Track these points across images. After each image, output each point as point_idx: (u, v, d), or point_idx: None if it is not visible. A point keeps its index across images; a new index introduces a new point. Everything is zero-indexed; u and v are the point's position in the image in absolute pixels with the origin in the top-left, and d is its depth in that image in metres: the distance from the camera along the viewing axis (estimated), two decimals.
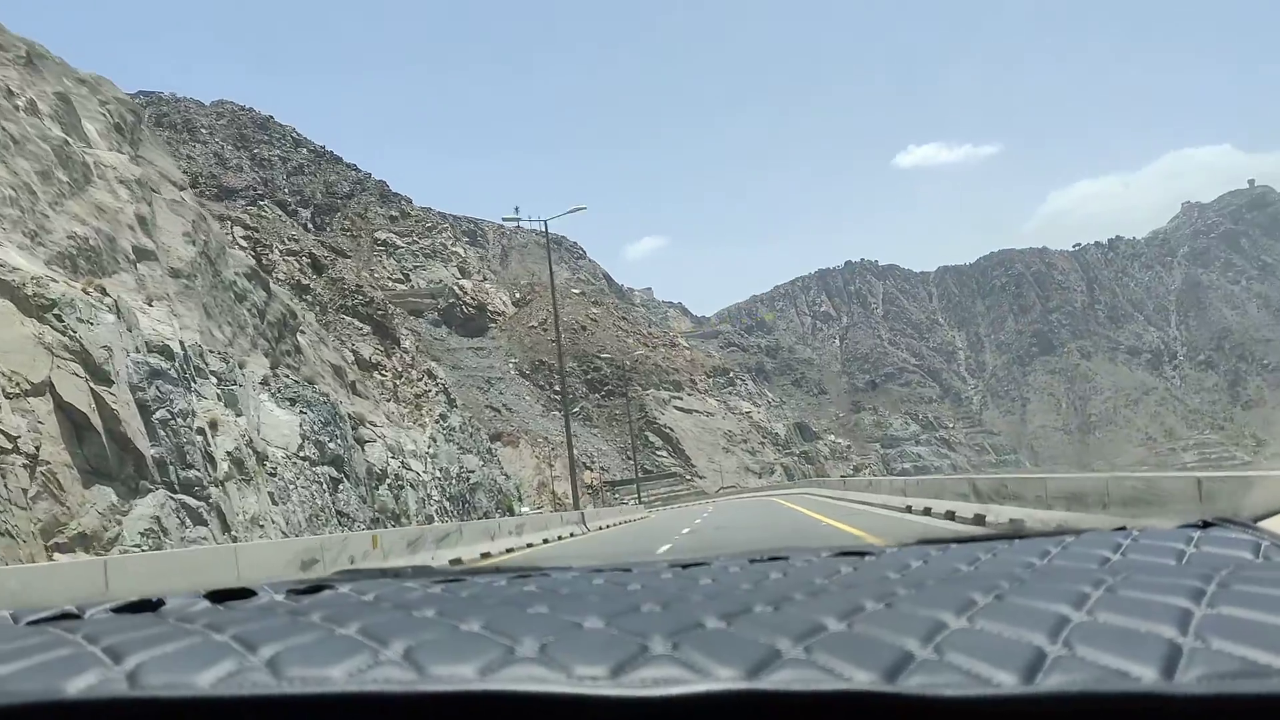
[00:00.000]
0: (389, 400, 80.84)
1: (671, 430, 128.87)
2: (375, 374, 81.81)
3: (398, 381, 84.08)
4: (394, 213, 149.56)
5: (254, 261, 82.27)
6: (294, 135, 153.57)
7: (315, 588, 1.16)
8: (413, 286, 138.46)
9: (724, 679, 0.55)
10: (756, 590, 0.85)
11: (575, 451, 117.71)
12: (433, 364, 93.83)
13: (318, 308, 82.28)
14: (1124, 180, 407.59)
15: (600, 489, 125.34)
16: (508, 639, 0.65)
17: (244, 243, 78.03)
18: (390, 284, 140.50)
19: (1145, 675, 0.52)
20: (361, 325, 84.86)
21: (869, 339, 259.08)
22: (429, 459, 49.51)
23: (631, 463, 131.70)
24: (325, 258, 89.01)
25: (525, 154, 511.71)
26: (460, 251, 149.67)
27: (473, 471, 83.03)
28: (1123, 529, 1.13)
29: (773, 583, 0.94)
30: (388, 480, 36.31)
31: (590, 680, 0.57)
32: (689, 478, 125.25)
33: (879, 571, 0.98)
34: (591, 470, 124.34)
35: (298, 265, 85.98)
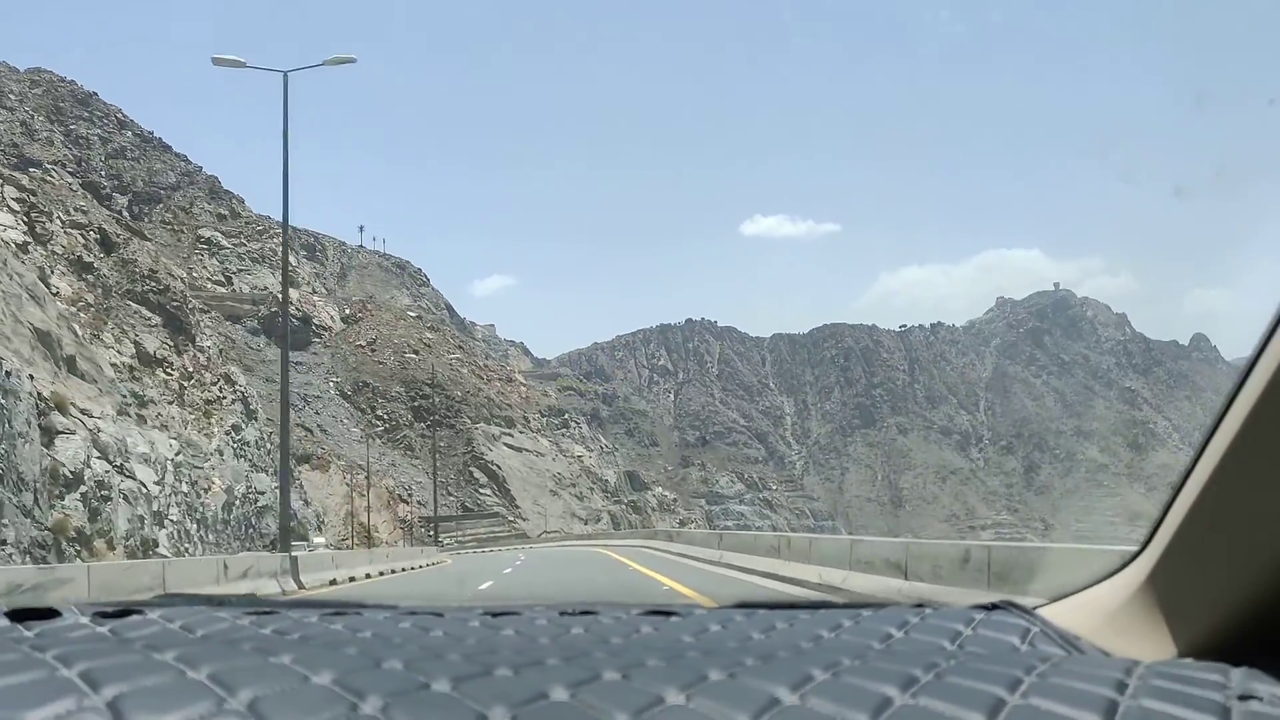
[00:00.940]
0: (172, 402, 68.78)
1: (499, 468, 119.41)
2: (160, 371, 69.68)
3: (185, 383, 72.08)
4: (223, 211, 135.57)
5: (25, 227, 68.60)
6: (119, 116, 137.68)
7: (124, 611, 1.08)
8: (234, 290, 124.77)
9: None
10: (553, 645, 0.83)
11: (392, 482, 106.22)
12: (233, 369, 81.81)
13: (99, 289, 69.85)
14: (945, 271, 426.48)
15: (415, 525, 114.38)
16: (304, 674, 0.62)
17: (15, 205, 64.81)
18: (209, 285, 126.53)
19: None
20: (150, 315, 72.51)
21: (702, 396, 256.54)
22: (172, 468, 38.67)
23: (453, 498, 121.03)
24: (119, 236, 76.22)
25: (375, 174, 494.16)
26: (291, 260, 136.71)
27: (263, 493, 71.57)
28: (920, 606, 1.13)
29: (571, 638, 0.94)
30: (83, 488, 26.10)
31: None
32: (511, 519, 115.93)
33: (676, 634, 0.98)
34: (408, 504, 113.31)
35: (82, 240, 72.92)
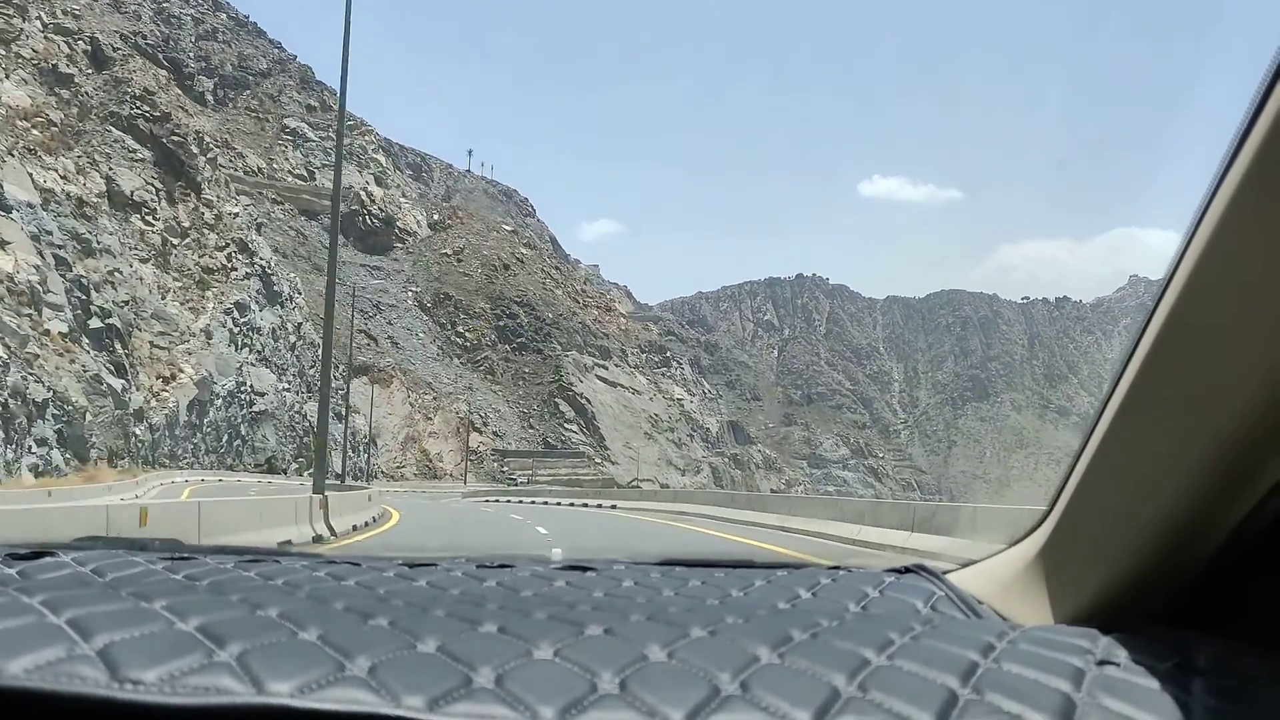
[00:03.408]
0: (147, 261, 48.08)
1: (588, 402, 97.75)
2: (138, 217, 49.03)
3: (173, 240, 51.26)
4: (313, 102, 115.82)
5: None
6: None
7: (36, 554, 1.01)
8: (316, 185, 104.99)
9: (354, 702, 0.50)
10: (462, 597, 0.80)
11: (465, 407, 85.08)
12: (256, 239, 60.69)
13: (75, 107, 49.32)
14: (1070, 247, 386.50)
15: (487, 457, 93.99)
16: (214, 646, 0.55)
17: None
18: (289, 178, 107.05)
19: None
20: (135, 148, 51.42)
21: (807, 355, 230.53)
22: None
23: (534, 431, 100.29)
24: (119, 51, 55.05)
25: (491, 104, 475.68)
26: (381, 160, 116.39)
27: (262, 394, 50.50)
28: (836, 568, 1.11)
29: (484, 590, 0.91)
30: None
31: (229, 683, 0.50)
32: (598, 460, 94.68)
33: (589, 589, 0.94)
34: (481, 433, 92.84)
35: (66, 48, 51.89)
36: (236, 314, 51.79)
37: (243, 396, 48.68)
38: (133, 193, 48.53)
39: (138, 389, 40.53)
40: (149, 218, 49.01)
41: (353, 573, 0.97)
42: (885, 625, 0.65)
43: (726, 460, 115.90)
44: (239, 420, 48.13)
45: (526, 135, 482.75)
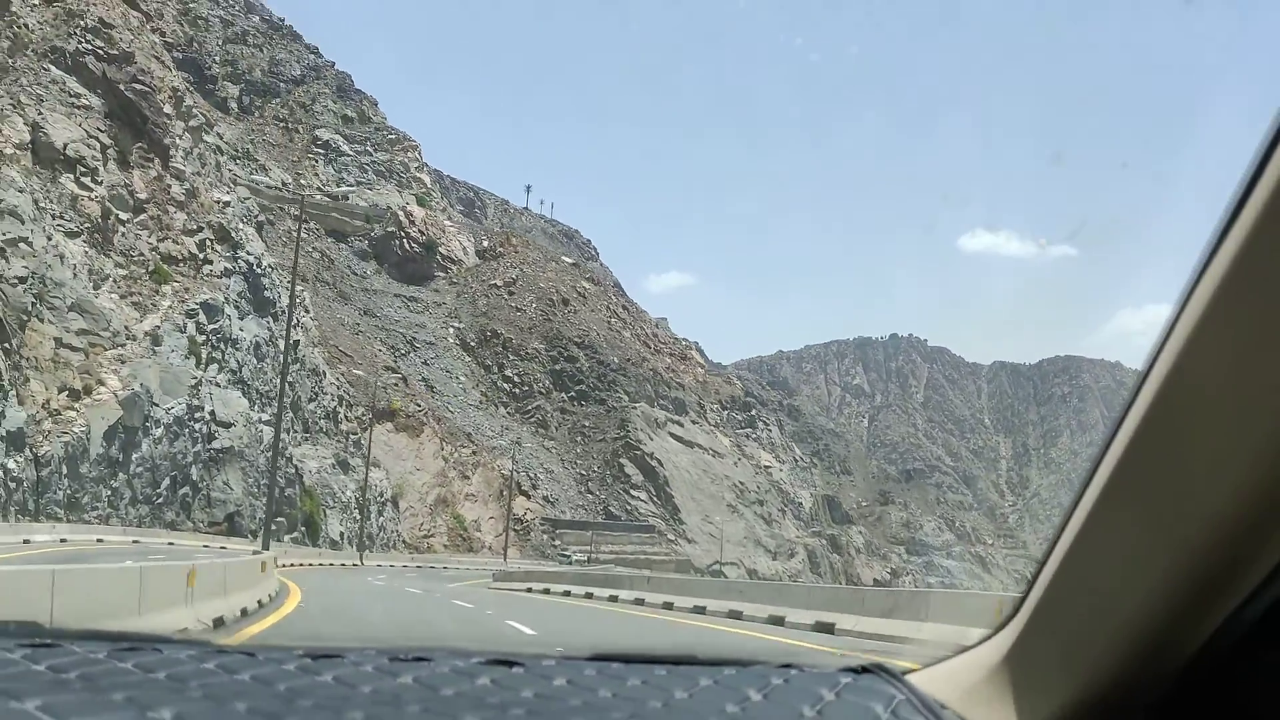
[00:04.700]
0: (76, 236, 37.21)
1: (660, 464, 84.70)
2: (70, 178, 38.31)
3: (120, 213, 40.22)
4: (349, 113, 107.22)
5: None
6: None
7: None
8: (344, 200, 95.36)
9: None
10: (371, 695, 0.75)
11: (514, 466, 72.82)
12: (246, 232, 49.79)
13: (6, 40, 39.26)
14: None
15: (535, 527, 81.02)
16: None
17: None
18: (318, 195, 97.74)
19: None
20: (80, 93, 40.90)
21: (902, 425, 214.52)
22: None
23: (593, 498, 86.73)
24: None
25: (553, 144, 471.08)
26: (425, 180, 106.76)
27: (227, 425, 38.04)
28: (787, 666, 1.05)
29: (397, 688, 0.85)
30: None
31: None
32: (671, 538, 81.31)
33: (515, 688, 0.88)
34: (530, 498, 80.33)
35: None
36: (203, 317, 40.33)
37: (197, 427, 36.83)
38: (66, 146, 37.67)
39: (20, 402, 28.88)
40: (87, 180, 37.99)
41: (247, 665, 0.88)
42: None
43: (823, 542, 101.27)
44: (187, 459, 36.19)
45: (590, 178, 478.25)
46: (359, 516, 50.76)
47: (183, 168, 44.38)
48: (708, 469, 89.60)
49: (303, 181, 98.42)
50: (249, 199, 56.03)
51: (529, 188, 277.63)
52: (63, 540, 25.01)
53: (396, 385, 74.82)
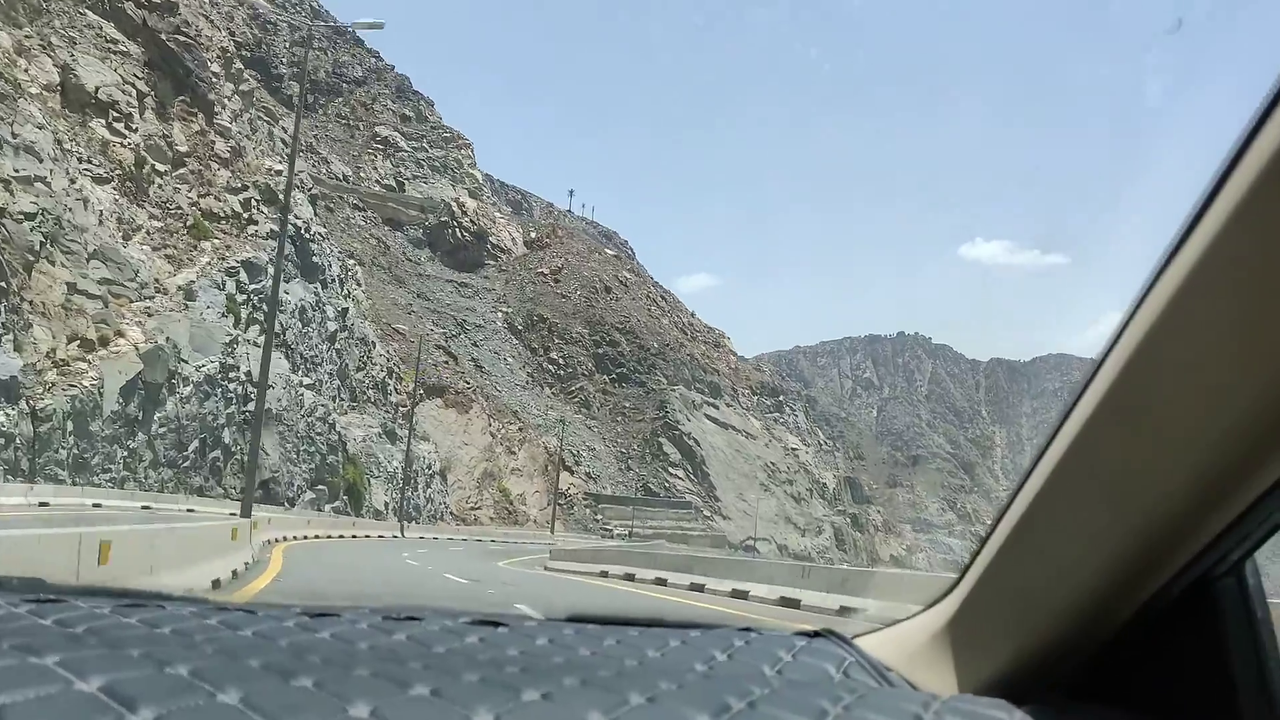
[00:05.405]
0: (106, 182, 30.32)
1: (697, 444, 77.78)
2: (101, 122, 31.61)
3: (158, 164, 33.48)
4: (408, 112, 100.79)
5: None
6: (314, 4, 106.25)
7: None
8: (400, 191, 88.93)
9: None
10: (369, 652, 0.73)
11: (559, 443, 66.18)
12: (296, 196, 42.92)
13: None
14: None
15: (578, 501, 74.56)
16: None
17: None
18: (377, 187, 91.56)
19: None
20: (119, 39, 34.09)
21: (907, 415, 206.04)
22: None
23: (633, 474, 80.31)
24: None
25: (592, 156, 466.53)
26: (478, 175, 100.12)
27: (269, 386, 31.33)
28: (747, 630, 1.02)
29: (391, 644, 0.81)
30: None
31: None
32: (708, 514, 74.64)
33: (501, 647, 0.85)
34: (574, 474, 73.84)
35: None
36: (244, 276, 33.82)
37: (231, 387, 30.31)
38: (98, 90, 31.11)
39: (18, 350, 22.38)
40: (120, 127, 31.41)
41: (249, 621, 0.83)
42: (814, 694, 0.61)
43: (847, 520, 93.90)
44: (219, 421, 29.68)
45: (626, 184, 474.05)
46: (410, 488, 44.20)
47: (229, 126, 37.84)
48: (741, 449, 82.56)
49: (362, 175, 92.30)
50: (302, 171, 49.50)
51: (571, 192, 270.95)
52: (43, 504, 18.60)
53: (447, 363, 68.25)
